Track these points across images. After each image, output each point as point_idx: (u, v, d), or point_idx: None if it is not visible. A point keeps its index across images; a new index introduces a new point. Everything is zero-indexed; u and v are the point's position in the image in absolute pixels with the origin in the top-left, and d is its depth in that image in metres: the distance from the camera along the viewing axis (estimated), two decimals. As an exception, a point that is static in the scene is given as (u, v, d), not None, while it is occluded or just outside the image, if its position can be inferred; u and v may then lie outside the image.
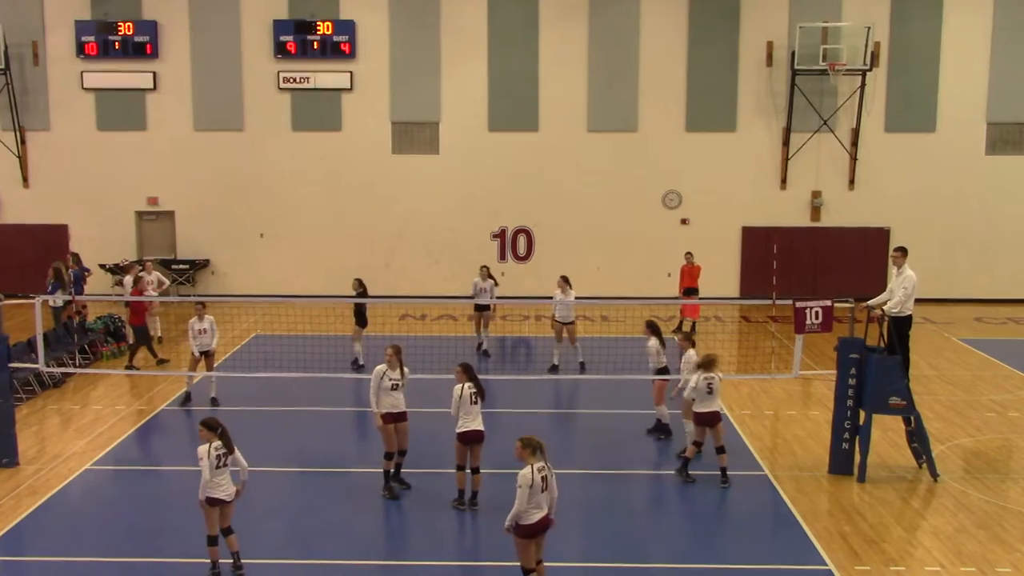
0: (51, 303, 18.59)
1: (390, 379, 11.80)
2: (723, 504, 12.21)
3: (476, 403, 11.37)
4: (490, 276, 19.49)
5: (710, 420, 12.38)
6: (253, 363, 18.25)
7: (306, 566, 10.14)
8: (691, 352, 13.32)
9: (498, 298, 20.09)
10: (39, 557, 10.64)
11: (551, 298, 18.41)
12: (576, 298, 18.42)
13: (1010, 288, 26.42)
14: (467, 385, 11.37)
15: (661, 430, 14.35)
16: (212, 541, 9.71)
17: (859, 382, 12.69)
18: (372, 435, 15.24)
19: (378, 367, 11.87)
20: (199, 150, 26.59)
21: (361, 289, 18.18)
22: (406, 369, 12.00)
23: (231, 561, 9.82)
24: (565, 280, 18.04)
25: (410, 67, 26.21)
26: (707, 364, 12.46)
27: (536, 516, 8.87)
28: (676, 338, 21.09)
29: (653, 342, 13.89)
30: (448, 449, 11.76)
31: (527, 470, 8.83)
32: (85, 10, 26.16)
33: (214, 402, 16.01)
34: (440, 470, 12.36)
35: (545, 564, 9.29)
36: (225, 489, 9.61)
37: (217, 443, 9.58)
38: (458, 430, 11.40)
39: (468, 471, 11.56)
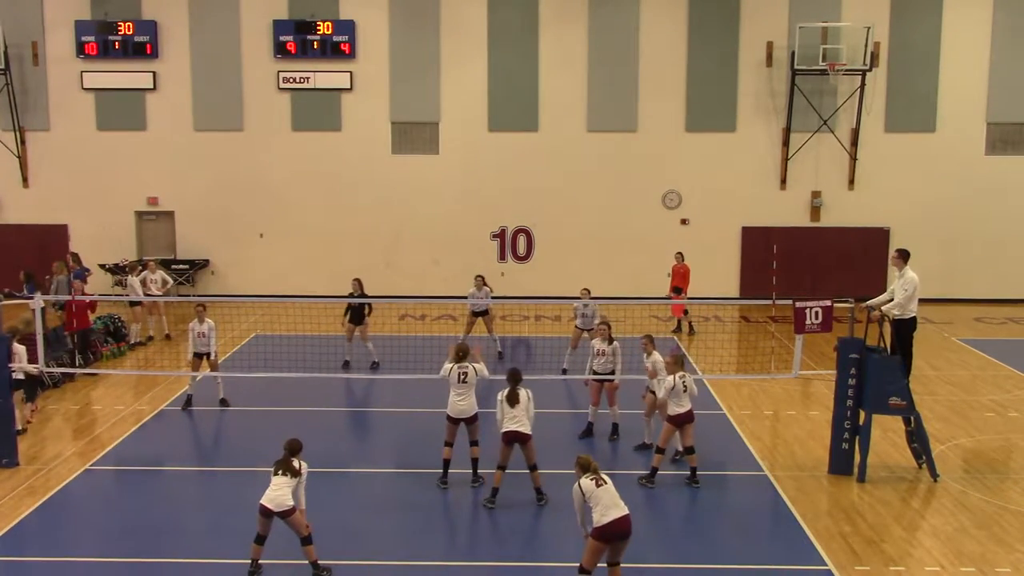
0: (31, 306, 18.32)
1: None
2: (723, 504, 12.21)
3: (517, 405, 11.67)
4: (485, 284, 19.50)
5: (686, 419, 12.37)
6: (253, 363, 18.26)
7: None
8: (656, 355, 13.32)
9: (498, 297, 20.09)
10: (39, 557, 10.64)
11: (550, 298, 18.43)
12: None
13: (1010, 288, 26.43)
14: (507, 390, 11.79)
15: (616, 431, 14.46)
16: (256, 539, 9.84)
17: (859, 382, 12.69)
18: (372, 435, 15.35)
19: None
20: (199, 150, 26.59)
21: (360, 289, 18.41)
22: None
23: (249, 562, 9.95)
24: (586, 291, 18.29)
25: (410, 67, 26.21)
26: (679, 363, 12.51)
27: (609, 516, 8.84)
28: (676, 338, 21.12)
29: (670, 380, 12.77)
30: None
31: (575, 487, 9.06)
32: (85, 10, 26.17)
33: (223, 403, 16.03)
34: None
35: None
36: (271, 498, 9.66)
37: (281, 459, 9.90)
38: (501, 431, 11.70)
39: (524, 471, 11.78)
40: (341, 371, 17.85)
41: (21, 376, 14.26)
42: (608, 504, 8.87)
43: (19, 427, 14.14)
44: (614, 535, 8.86)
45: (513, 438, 11.65)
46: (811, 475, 12.96)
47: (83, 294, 18.55)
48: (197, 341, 15.84)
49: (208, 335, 15.80)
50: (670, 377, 12.44)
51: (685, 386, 12.37)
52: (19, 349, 14.18)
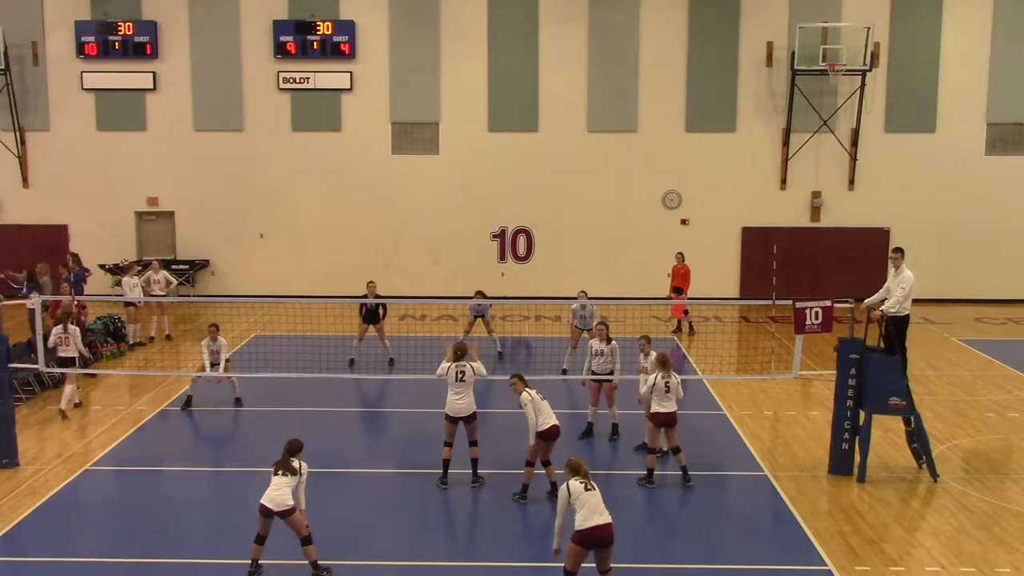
0: (28, 305, 18.36)
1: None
2: (723, 504, 12.22)
3: (545, 399, 11.80)
4: (485, 298, 19.62)
5: (667, 421, 12.35)
6: (253, 363, 18.26)
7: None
8: (654, 354, 13.30)
9: (498, 298, 20.12)
10: (39, 557, 10.65)
11: (550, 298, 18.43)
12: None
13: (1010, 288, 26.42)
14: (529, 390, 11.82)
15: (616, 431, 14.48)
16: (256, 539, 9.85)
17: (859, 382, 12.69)
18: (372, 435, 15.34)
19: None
20: (199, 150, 26.58)
21: (375, 291, 18.86)
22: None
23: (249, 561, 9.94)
24: (583, 293, 18.42)
25: (410, 67, 26.20)
26: (664, 363, 12.49)
27: (592, 521, 8.83)
28: (676, 338, 21.10)
29: (652, 378, 12.81)
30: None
31: (563, 487, 9.05)
32: (85, 10, 26.16)
33: (238, 402, 16.11)
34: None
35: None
36: (271, 497, 9.68)
37: (280, 459, 9.94)
38: (539, 428, 11.66)
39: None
40: (341, 371, 17.80)
41: (74, 354, 15.50)
42: (592, 508, 8.87)
43: (63, 408, 15.47)
44: (594, 541, 8.86)
45: (554, 433, 11.72)
46: (811, 475, 12.96)
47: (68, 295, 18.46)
48: (212, 356, 16.02)
49: (220, 352, 16.04)
50: (651, 376, 12.45)
51: (668, 386, 12.35)
52: (72, 330, 15.55)
